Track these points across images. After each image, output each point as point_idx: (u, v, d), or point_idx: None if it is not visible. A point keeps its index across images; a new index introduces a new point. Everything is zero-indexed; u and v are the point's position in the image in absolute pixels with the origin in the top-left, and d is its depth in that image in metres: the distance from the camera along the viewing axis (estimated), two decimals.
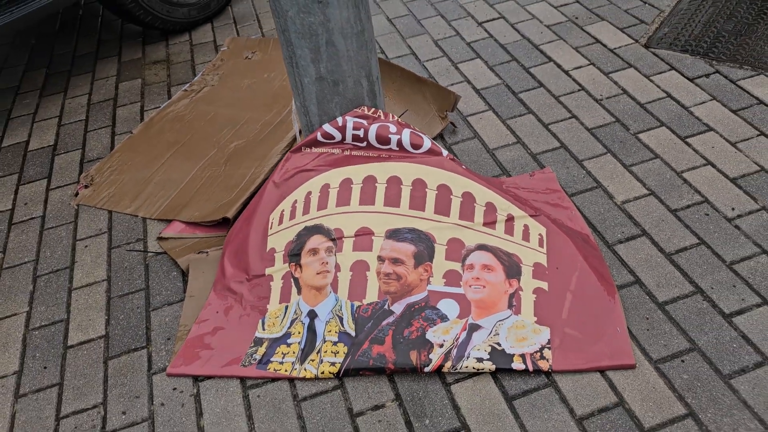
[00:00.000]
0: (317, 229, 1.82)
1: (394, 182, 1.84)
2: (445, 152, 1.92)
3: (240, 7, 3.47)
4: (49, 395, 1.76)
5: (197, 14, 3.31)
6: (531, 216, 1.87)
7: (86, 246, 2.19)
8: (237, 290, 1.88)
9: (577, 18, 2.93)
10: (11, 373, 1.83)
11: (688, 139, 2.22)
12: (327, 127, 1.88)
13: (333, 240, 1.79)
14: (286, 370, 1.69)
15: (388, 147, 1.90)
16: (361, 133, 1.87)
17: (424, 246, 1.78)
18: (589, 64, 2.64)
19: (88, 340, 1.89)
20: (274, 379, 1.70)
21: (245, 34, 3.23)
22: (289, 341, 1.74)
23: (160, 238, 2.15)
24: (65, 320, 1.96)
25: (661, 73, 2.53)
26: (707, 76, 2.48)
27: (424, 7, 3.20)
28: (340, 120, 1.86)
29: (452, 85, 2.65)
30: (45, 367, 1.83)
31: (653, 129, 2.29)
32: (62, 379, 1.80)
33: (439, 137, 2.39)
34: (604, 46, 2.73)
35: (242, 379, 1.72)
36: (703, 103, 2.36)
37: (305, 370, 1.68)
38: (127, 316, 1.93)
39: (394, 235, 1.78)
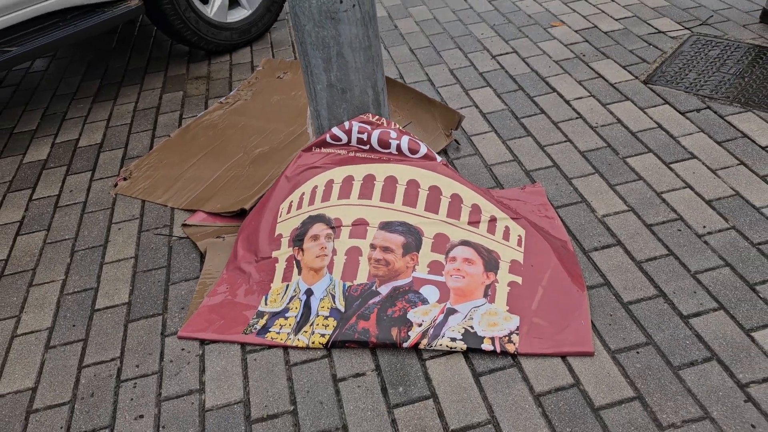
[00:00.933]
0: (320, 218, 2.05)
1: (391, 181, 2.06)
2: (439, 158, 2.14)
3: (277, 34, 3.80)
4: (74, 348, 2.00)
5: (238, 38, 3.64)
6: (512, 219, 2.06)
7: (120, 228, 2.46)
8: (246, 270, 2.11)
9: (584, 55, 3.16)
10: (44, 329, 2.08)
11: (671, 165, 2.40)
12: (335, 130, 2.12)
13: (332, 228, 2.02)
14: (281, 339, 1.90)
15: (388, 150, 2.13)
16: (365, 136, 2.11)
17: (412, 238, 1.98)
18: (589, 96, 2.85)
19: (112, 305, 2.13)
20: (270, 347, 1.91)
21: (280, 57, 3.53)
22: (287, 315, 1.95)
23: (184, 225, 2.40)
24: (95, 288, 2.21)
25: (655, 106, 2.72)
26: (698, 110, 2.66)
27: (444, 41, 3.47)
28: (347, 124, 2.11)
29: (461, 108, 2.88)
30: (74, 326, 2.08)
31: (641, 155, 2.47)
32: (87, 336, 2.04)
33: (444, 152, 2.61)
34: (606, 80, 2.94)
35: (242, 345, 1.93)
36: (691, 134, 2.54)
37: (298, 339, 1.89)
38: (149, 288, 2.17)
39: (386, 226, 2.00)
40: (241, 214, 2.37)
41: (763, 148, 2.42)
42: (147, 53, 3.81)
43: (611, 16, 3.47)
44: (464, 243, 1.99)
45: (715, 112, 2.64)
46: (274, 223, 2.14)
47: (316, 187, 2.12)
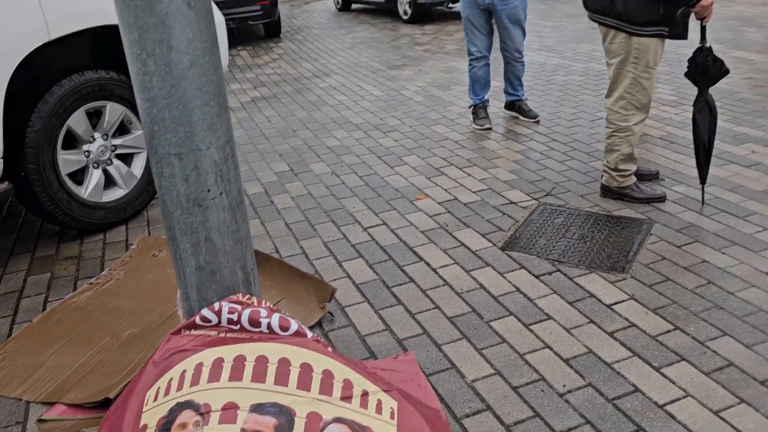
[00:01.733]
0: (188, 405, 1.98)
1: (262, 360, 2.06)
2: (310, 334, 2.18)
3: (154, 212, 3.84)
4: None
5: (113, 217, 3.63)
6: (384, 391, 2.09)
7: None
8: None
9: (447, 225, 3.42)
10: None
11: (531, 326, 2.57)
12: (205, 312, 2.13)
13: (201, 414, 1.95)
14: None
15: (258, 329, 2.15)
16: (235, 316, 2.13)
17: (285, 419, 1.95)
18: (453, 263, 3.05)
19: None
20: None
21: (156, 235, 3.55)
22: None
23: (39, 420, 2.23)
24: None
25: (512, 271, 2.96)
26: (550, 273, 2.92)
27: (318, 215, 3.65)
28: (217, 305, 2.12)
29: (335, 280, 2.98)
30: None
31: (503, 318, 2.64)
32: None
33: (319, 324, 2.66)
34: (468, 248, 3.18)
35: None
36: (545, 296, 2.76)
37: None
38: None
39: (257, 409, 1.96)
40: (105, 404, 2.24)
41: (608, 306, 2.66)
42: (14, 234, 3.70)
43: (469, 189, 3.83)
44: (337, 420, 1.98)
45: (565, 275, 2.90)
46: (140, 413, 2.04)
47: (185, 371, 2.07)
